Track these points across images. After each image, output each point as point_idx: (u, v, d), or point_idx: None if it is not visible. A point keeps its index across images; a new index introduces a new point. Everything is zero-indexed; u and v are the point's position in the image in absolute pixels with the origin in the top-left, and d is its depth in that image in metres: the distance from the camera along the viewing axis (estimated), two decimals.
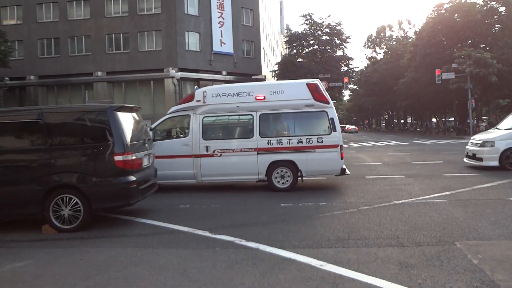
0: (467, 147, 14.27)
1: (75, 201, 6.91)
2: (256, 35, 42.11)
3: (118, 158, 6.96)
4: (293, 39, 46.87)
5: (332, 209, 7.95)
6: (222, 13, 38.03)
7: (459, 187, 9.98)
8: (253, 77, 40.88)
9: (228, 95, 10.70)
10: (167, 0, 35.47)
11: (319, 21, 45.39)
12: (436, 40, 46.41)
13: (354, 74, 50.13)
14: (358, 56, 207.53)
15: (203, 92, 10.91)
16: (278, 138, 10.47)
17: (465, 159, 14.34)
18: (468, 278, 4.31)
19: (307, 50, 46.98)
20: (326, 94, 10.57)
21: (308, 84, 10.51)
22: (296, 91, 10.63)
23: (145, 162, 7.92)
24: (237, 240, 6.02)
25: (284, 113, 10.64)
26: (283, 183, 10.50)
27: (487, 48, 43.30)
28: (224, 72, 38.05)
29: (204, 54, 37.06)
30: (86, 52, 36.91)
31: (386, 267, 4.72)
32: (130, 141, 7.25)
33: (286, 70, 43.45)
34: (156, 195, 9.02)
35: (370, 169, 14.54)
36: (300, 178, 10.61)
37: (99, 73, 36.29)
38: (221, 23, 37.99)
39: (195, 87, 27.09)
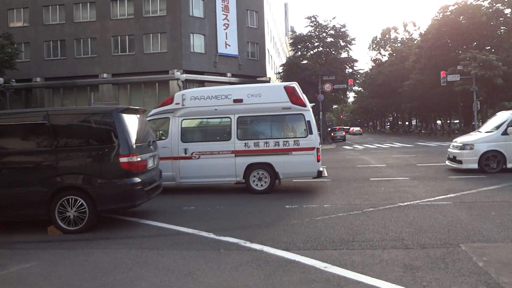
0: (449, 149, 14.33)
1: (80, 202, 6.94)
2: (260, 37, 42.13)
3: (123, 159, 6.99)
4: (297, 41, 46.87)
5: (337, 211, 7.95)
6: (227, 15, 38.10)
7: (464, 189, 9.95)
8: (257, 78, 40.90)
9: (207, 98, 10.80)
10: (172, 3, 35.57)
11: (324, 23, 45.43)
12: (441, 42, 46.31)
13: (358, 76, 50.06)
14: (363, 58, 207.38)
15: (182, 95, 11.04)
16: (256, 141, 10.54)
17: (447, 162, 14.37)
18: (473, 280, 4.30)
19: (311, 52, 46.96)
20: (303, 97, 10.63)
21: (285, 87, 10.58)
22: (273, 94, 10.70)
23: (150, 164, 7.94)
24: (242, 242, 6.03)
25: (262, 115, 10.71)
26: (261, 185, 10.57)
27: (493, 50, 43.19)
28: (229, 74, 38.09)
29: (209, 56, 37.12)
30: (91, 54, 37.06)
31: (390, 269, 4.72)
32: (135, 143, 7.28)
33: (291, 72, 43.46)
34: (161, 197, 9.05)
35: (375, 171, 14.51)
36: (277, 181, 10.69)
37: (105, 75, 36.42)
38: (226, 25, 38.05)
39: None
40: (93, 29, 36.85)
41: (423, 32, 55.87)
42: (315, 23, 45.40)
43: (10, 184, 7.03)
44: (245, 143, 10.53)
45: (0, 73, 31.04)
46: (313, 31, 45.68)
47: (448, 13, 47.07)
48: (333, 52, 45.98)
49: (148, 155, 7.81)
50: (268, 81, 42.77)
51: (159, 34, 36.08)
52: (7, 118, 7.60)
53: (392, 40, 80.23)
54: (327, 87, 39.14)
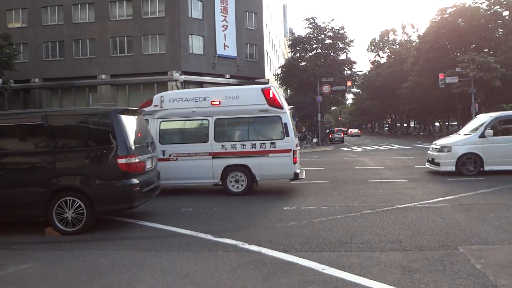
0: (428, 152, 14.40)
1: (78, 203, 6.93)
2: (259, 39, 42.18)
3: (121, 161, 6.98)
4: (296, 43, 46.90)
5: (335, 213, 7.95)
6: (225, 17, 38.13)
7: (462, 191, 9.95)
8: (256, 80, 40.93)
9: (185, 100, 10.84)
10: (171, 4, 35.59)
11: (323, 25, 45.47)
12: (440, 44, 46.40)
13: (357, 77, 50.09)
14: (362, 60, 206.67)
15: (161, 97, 11.11)
16: (233, 143, 10.60)
17: (426, 164, 14.44)
18: (471, 283, 4.30)
19: (310, 53, 47.00)
20: (280, 99, 10.65)
21: (262, 90, 10.61)
22: (250, 96, 10.73)
23: (148, 165, 7.94)
24: (240, 244, 6.03)
25: (239, 118, 10.77)
26: (237, 187, 10.63)
27: (491, 52, 43.25)
28: (227, 76, 38.12)
29: (208, 58, 37.14)
30: (90, 55, 37.06)
31: (388, 271, 4.72)
32: (134, 144, 7.27)
33: (289, 73, 43.53)
34: (159, 198, 9.04)
35: (373, 173, 14.52)
36: (254, 183, 10.74)
37: (103, 76, 36.42)
38: (225, 27, 38.09)
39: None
40: (91, 30, 36.85)
41: (421, 34, 55.94)
42: (313, 25, 45.44)
43: (8, 184, 7.02)
44: (222, 145, 10.59)
45: None
46: (311, 32, 45.71)
47: (447, 15, 47.15)
48: (331, 53, 46.03)
49: (146, 156, 7.81)
50: (267, 83, 42.81)
51: (157, 35, 36.10)
52: (6, 119, 7.58)
53: (390, 42, 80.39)
54: (326, 88, 39.20)
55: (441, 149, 13.38)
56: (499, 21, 45.48)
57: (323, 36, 45.51)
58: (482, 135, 12.73)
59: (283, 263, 5.13)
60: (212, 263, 5.23)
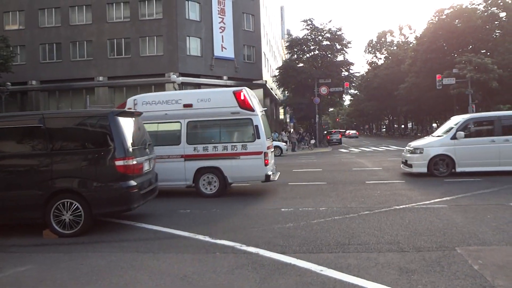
0: (402, 153, 14.49)
1: (76, 206, 6.91)
2: (257, 40, 42.24)
3: (119, 163, 6.97)
4: (294, 44, 46.92)
5: (333, 214, 7.96)
6: (223, 18, 38.17)
7: (460, 192, 9.97)
8: (253, 82, 40.99)
9: (158, 102, 10.89)
10: (169, 6, 35.62)
11: (320, 26, 45.47)
12: (437, 46, 46.56)
13: (354, 79, 50.11)
14: (359, 61, 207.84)
15: (134, 100, 11.15)
16: (205, 145, 10.64)
17: (401, 166, 14.50)
18: (469, 283, 4.31)
19: (308, 55, 47.03)
20: (251, 102, 10.68)
21: (234, 92, 10.66)
22: (222, 99, 10.78)
23: (146, 167, 7.93)
24: (237, 245, 6.02)
25: (211, 120, 10.80)
26: (210, 189, 10.67)
27: (488, 53, 43.42)
28: (225, 77, 38.15)
29: (205, 59, 37.17)
30: (87, 57, 37.07)
31: (386, 272, 4.72)
32: (131, 146, 7.26)
33: (287, 75, 43.54)
34: (156, 200, 9.03)
35: (371, 174, 14.54)
36: (229, 184, 10.82)
37: (101, 78, 36.40)
38: (222, 28, 38.13)
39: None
40: (89, 32, 36.85)
41: (418, 36, 56.15)
42: (311, 26, 45.46)
43: (5, 187, 7.00)
44: (194, 148, 10.62)
45: None
46: (309, 34, 45.72)
47: (444, 16, 47.31)
48: (329, 55, 46.05)
49: (144, 158, 7.80)
50: (265, 84, 42.89)
51: (155, 37, 36.13)
52: (3, 121, 7.56)
53: (388, 43, 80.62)
54: (323, 90, 39.26)
55: (414, 151, 13.50)
56: (496, 22, 45.68)
57: (320, 37, 45.52)
58: (454, 137, 12.86)
59: (281, 264, 5.13)
60: (210, 264, 5.22)
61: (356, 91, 79.14)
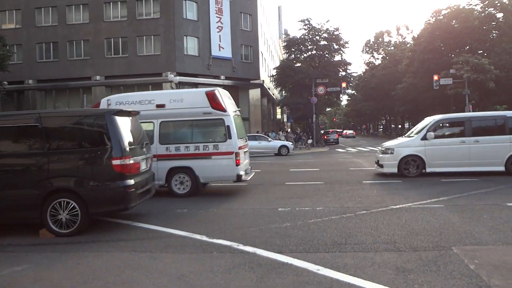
0: (376, 153, 14.53)
1: (72, 205, 6.89)
2: (254, 40, 42.22)
3: (116, 162, 6.96)
4: (291, 44, 46.89)
5: (329, 214, 7.96)
6: (220, 18, 38.14)
7: (456, 192, 10.00)
8: (251, 81, 41.00)
9: (131, 103, 10.90)
10: (166, 5, 35.56)
11: (318, 26, 45.47)
12: (434, 46, 46.68)
13: (352, 79, 50.16)
14: (356, 61, 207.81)
15: (107, 100, 11.19)
16: (177, 145, 10.68)
17: (375, 166, 14.65)
18: (465, 283, 4.32)
19: (305, 55, 47.00)
20: (223, 102, 10.71)
21: (206, 93, 10.71)
22: (195, 99, 10.84)
23: (143, 166, 7.92)
24: (234, 245, 6.02)
25: (183, 120, 10.87)
26: (183, 188, 10.72)
27: (485, 54, 43.58)
28: (222, 77, 38.12)
29: (203, 59, 37.13)
30: (84, 56, 36.97)
31: (383, 272, 4.73)
32: (128, 145, 7.24)
33: (284, 75, 43.53)
34: (153, 199, 9.01)
35: (367, 174, 14.56)
36: (202, 184, 10.90)
37: (98, 77, 36.32)
38: (220, 28, 38.10)
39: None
40: (86, 31, 36.76)
41: (416, 36, 56.28)
42: (308, 26, 45.46)
43: (1, 186, 6.98)
44: (167, 147, 10.67)
45: None
46: (306, 34, 45.71)
47: (441, 17, 47.46)
48: (326, 55, 46.08)
49: (141, 157, 7.78)
50: (262, 84, 42.88)
51: (152, 36, 36.06)
52: None
53: (385, 43, 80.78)
54: (321, 90, 39.27)
55: (385, 151, 13.63)
56: (493, 23, 45.86)
57: (318, 37, 45.53)
58: (424, 138, 12.99)
59: (278, 264, 5.13)
60: (207, 264, 5.22)
61: (353, 91, 79.31)
